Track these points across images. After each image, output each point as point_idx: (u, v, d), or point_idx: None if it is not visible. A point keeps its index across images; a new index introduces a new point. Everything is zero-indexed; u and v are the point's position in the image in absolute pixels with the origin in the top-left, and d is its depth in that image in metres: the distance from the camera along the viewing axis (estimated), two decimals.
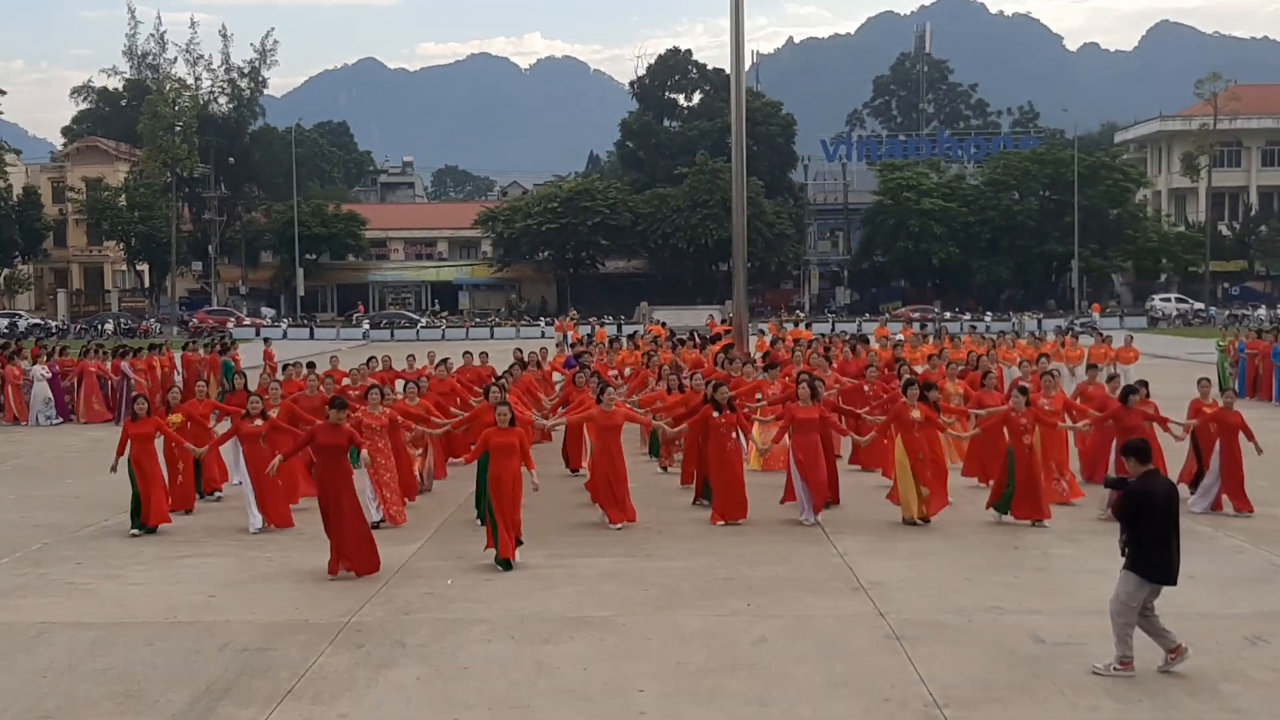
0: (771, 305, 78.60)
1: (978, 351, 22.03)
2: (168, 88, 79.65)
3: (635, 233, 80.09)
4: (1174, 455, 14.39)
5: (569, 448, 17.81)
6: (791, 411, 14.09)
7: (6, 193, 77.17)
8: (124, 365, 26.08)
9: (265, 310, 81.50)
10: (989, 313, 72.62)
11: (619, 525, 13.73)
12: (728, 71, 26.82)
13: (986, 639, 9.33)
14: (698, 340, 27.61)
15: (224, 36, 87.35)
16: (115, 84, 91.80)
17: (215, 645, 9.42)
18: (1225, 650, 9.01)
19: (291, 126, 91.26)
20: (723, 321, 40.35)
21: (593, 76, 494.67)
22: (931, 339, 28.23)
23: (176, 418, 15.27)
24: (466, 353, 22.29)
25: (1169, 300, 75.61)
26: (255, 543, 13.26)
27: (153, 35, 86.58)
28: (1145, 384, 14.87)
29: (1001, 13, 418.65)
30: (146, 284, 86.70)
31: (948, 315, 68.33)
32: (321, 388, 17.14)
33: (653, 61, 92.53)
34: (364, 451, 12.80)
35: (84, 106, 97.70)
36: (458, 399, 18.05)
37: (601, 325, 52.28)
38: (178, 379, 25.35)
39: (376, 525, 13.78)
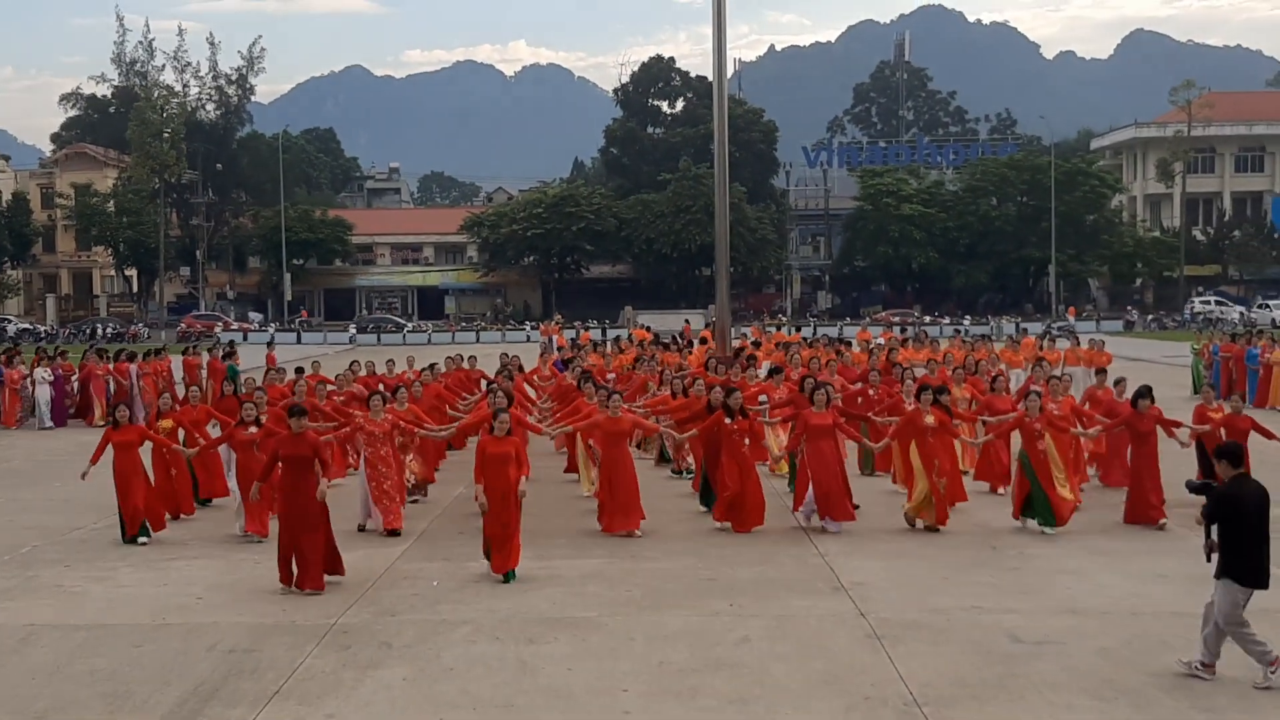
0: (754, 310, 78.97)
1: (976, 356, 21.56)
2: (156, 95, 79.83)
3: (619, 238, 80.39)
4: (1173, 456, 14.34)
5: (570, 456, 17.53)
6: (805, 419, 13.81)
7: None
8: (131, 368, 26.05)
9: (253, 315, 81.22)
10: (968, 317, 73.08)
11: (623, 533, 13.40)
12: (710, 79, 26.88)
13: (965, 638, 9.47)
14: (679, 344, 27.72)
15: (212, 44, 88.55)
16: (104, 91, 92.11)
17: (203, 646, 9.49)
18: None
19: (279, 133, 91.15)
20: (706, 326, 40.42)
21: (577, 84, 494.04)
22: (911, 343, 28.23)
23: (167, 424, 14.99)
24: (453, 357, 21.89)
25: (1209, 302, 72.59)
26: (243, 546, 13.30)
27: (141, 43, 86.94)
28: (1150, 389, 14.54)
29: (980, 21, 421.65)
30: (135, 289, 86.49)
31: (927, 319, 68.67)
32: (312, 395, 17.02)
33: (636, 69, 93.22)
34: (322, 483, 11.24)
35: (73, 113, 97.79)
36: (445, 405, 18.02)
37: (586, 329, 52.36)
38: (178, 386, 25.36)
39: (362, 528, 13.87)
